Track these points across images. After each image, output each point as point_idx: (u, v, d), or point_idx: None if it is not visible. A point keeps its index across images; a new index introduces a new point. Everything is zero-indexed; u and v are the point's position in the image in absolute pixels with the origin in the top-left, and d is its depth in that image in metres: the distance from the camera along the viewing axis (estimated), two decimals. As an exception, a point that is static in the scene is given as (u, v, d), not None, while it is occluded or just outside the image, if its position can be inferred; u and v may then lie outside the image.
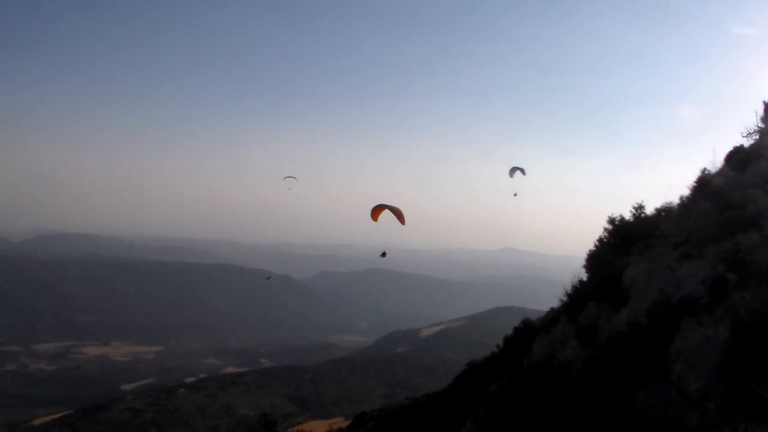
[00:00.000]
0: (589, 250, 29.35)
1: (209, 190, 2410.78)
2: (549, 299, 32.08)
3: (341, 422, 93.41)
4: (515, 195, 59.21)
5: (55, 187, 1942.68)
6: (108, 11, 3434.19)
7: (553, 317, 28.28)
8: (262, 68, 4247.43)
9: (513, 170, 52.62)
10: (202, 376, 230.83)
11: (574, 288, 27.12)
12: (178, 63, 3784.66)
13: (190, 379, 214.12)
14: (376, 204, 40.17)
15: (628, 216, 28.52)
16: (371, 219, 41.38)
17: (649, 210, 28.02)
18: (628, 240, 26.69)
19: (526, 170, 53.94)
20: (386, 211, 40.65)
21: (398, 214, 39.57)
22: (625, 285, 23.37)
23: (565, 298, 27.52)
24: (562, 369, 21.70)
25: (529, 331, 30.09)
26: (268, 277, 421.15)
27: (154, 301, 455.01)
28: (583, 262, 29.28)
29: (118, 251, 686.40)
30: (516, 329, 32.51)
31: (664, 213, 26.86)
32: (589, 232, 31.69)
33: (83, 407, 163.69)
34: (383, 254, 51.29)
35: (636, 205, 28.33)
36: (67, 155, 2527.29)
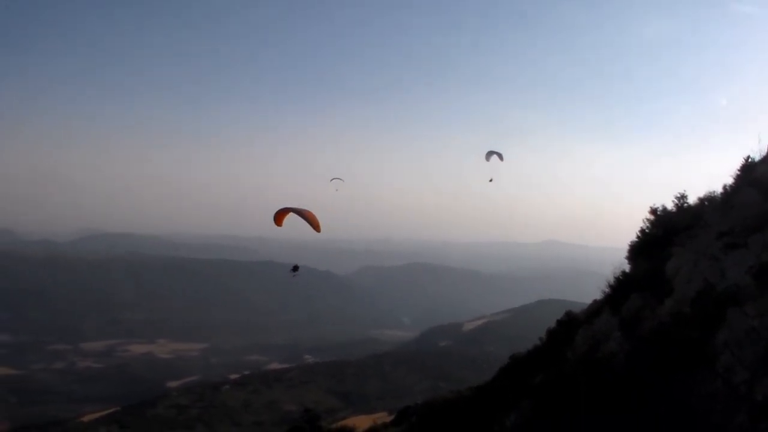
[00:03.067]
0: (632, 241, 29.03)
1: (251, 187, 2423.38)
2: (592, 291, 31.81)
3: (385, 417, 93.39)
4: (491, 180, 57.62)
5: (98, 188, 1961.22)
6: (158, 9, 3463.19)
7: (596, 309, 28.09)
8: (299, 64, 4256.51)
9: (489, 154, 50.95)
10: (246, 372, 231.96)
11: (617, 280, 26.89)
12: (213, 62, 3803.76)
13: (234, 376, 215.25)
14: (281, 207, 38.65)
15: (670, 206, 28.20)
16: (274, 224, 40.04)
17: (692, 199, 27.68)
18: (670, 230, 26.38)
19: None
20: (295, 216, 39.12)
21: (310, 219, 38.02)
22: (668, 276, 23.16)
23: (607, 290, 27.30)
24: (606, 361, 21.57)
25: (572, 324, 29.91)
26: (295, 269, 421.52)
27: (197, 299, 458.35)
28: (626, 254, 28.99)
29: (161, 250, 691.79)
30: (559, 322, 32.31)
31: (707, 202, 26.51)
32: (632, 222, 31.30)
33: (130, 404, 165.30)
34: (294, 269, 50.15)
35: (678, 195, 27.99)
36: (109, 157, 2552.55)
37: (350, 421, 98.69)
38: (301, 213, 37.94)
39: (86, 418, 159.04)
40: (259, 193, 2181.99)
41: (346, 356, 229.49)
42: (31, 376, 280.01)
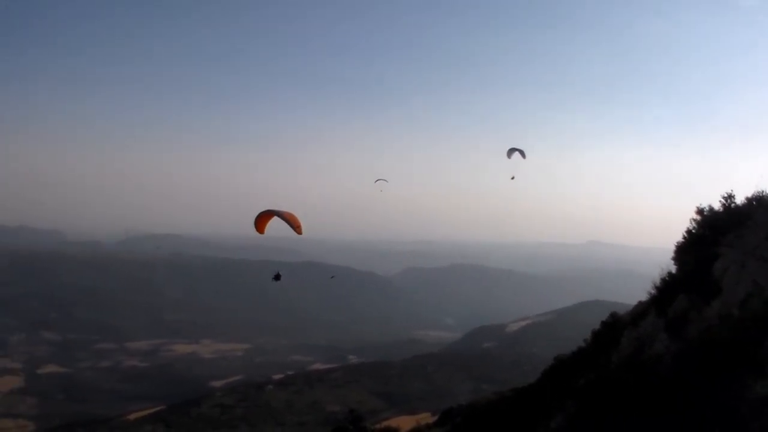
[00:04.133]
0: (678, 242, 28.66)
1: (294, 189, 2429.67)
2: (636, 293, 31.50)
3: (428, 418, 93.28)
4: (513, 178, 56.81)
5: (144, 190, 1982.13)
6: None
7: (641, 311, 27.78)
8: (344, 67, 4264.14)
9: (511, 151, 50.18)
10: (290, 372, 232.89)
11: (663, 281, 26.58)
12: (261, 64, 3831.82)
13: (278, 376, 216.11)
14: (262, 210, 37.68)
15: (717, 206, 27.77)
16: (256, 231, 39.15)
17: (740, 199, 27.22)
18: (717, 231, 26.01)
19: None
20: (276, 219, 38.10)
21: (292, 221, 37.11)
22: (715, 277, 22.83)
23: (653, 291, 27.00)
24: (652, 363, 21.30)
25: (617, 325, 29.63)
26: (332, 276, 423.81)
27: (241, 299, 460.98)
28: (672, 255, 28.63)
29: (205, 251, 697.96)
30: (604, 323, 32.02)
31: (756, 202, 26.07)
32: (677, 223, 30.88)
33: (174, 403, 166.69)
34: (276, 277, 49.64)
35: (725, 195, 27.52)
36: (155, 160, 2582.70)
37: (393, 422, 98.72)
38: (282, 215, 37.25)
39: (132, 417, 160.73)
40: (302, 195, 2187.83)
41: (390, 357, 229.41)
42: (78, 374, 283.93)
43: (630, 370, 21.50)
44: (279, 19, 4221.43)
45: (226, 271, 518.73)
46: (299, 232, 37.68)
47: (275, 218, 37.70)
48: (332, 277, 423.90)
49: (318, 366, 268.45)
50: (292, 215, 37.65)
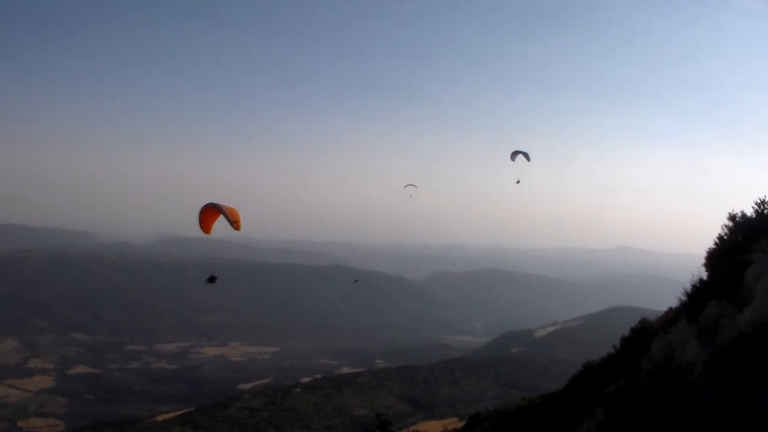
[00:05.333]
0: (709, 248, 28.30)
1: (322, 193, 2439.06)
2: (666, 299, 31.24)
3: (455, 423, 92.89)
4: (518, 182, 56.20)
5: (173, 193, 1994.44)
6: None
7: (671, 317, 27.49)
8: (372, 69, 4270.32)
9: (514, 154, 49.60)
10: (318, 376, 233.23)
11: (694, 287, 26.26)
12: (286, 67, 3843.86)
13: (305, 379, 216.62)
14: (206, 204, 36.97)
15: (750, 212, 27.41)
16: (202, 231, 38.48)
17: (774, 205, 26.81)
18: (750, 237, 25.69)
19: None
20: (221, 217, 37.46)
21: (232, 216, 36.47)
22: (747, 284, 22.55)
23: (684, 298, 26.68)
24: (682, 370, 21.05)
25: (647, 332, 29.35)
26: (356, 281, 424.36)
27: (269, 303, 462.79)
28: (703, 260, 28.28)
29: (233, 254, 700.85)
30: (633, 330, 31.74)
31: (790, 208, 25.73)
32: (708, 229, 30.51)
33: (202, 405, 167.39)
34: (211, 279, 49.29)
35: (759, 201, 27.15)
36: (183, 163, 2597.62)
37: (421, 427, 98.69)
38: (222, 210, 36.78)
39: (160, 418, 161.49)
40: (330, 199, 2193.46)
41: (417, 361, 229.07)
42: (108, 375, 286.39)
43: (660, 378, 21.26)
44: (308, 23, 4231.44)
45: (255, 274, 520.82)
46: (237, 228, 37.08)
47: (218, 214, 37.34)
48: (356, 281, 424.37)
49: (346, 370, 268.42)
50: (232, 210, 37.19)
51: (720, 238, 27.96)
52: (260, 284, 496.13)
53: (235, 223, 36.84)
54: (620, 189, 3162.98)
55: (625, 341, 31.58)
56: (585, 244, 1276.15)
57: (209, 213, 37.57)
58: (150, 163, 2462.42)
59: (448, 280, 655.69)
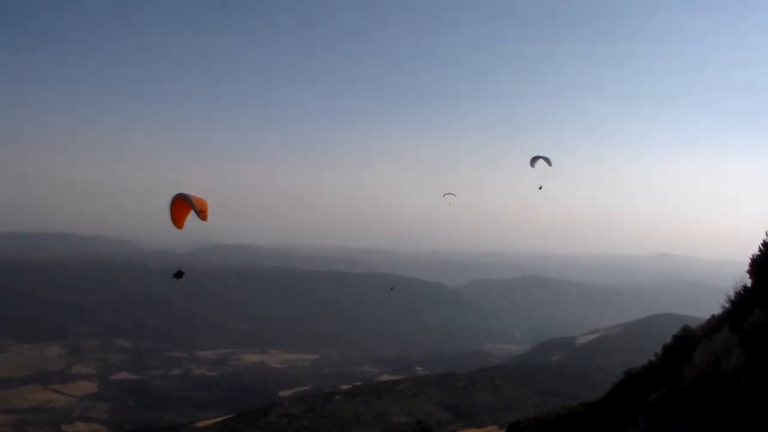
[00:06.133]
0: (753, 255, 27.84)
1: (362, 200, 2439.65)
2: (709, 306, 30.84)
3: (495, 430, 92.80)
4: (540, 188, 55.30)
5: (215, 201, 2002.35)
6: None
7: (714, 325, 27.13)
8: (411, 78, 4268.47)
9: (534, 159, 48.80)
10: (357, 383, 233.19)
11: (738, 294, 25.87)
12: (325, 75, 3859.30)
13: (345, 386, 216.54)
14: (173, 197, 36.35)
15: (795, 218, 26.92)
16: (175, 226, 38.00)
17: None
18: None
19: (552, 161, 48.92)
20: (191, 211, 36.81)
21: (199, 206, 35.84)
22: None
23: (727, 305, 26.32)
24: (727, 379, 20.73)
25: (690, 339, 29.02)
26: (392, 288, 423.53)
27: (309, 310, 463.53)
28: (747, 267, 27.83)
29: (274, 261, 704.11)
30: (675, 337, 31.41)
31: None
32: (753, 235, 29.98)
33: (243, 412, 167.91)
34: (178, 274, 48.64)
35: (804, 207, 26.65)
36: (225, 171, 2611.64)
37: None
38: (190, 200, 36.35)
39: (201, 424, 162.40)
40: (371, 207, 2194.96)
41: (457, 369, 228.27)
42: (150, 381, 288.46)
43: (704, 386, 20.95)
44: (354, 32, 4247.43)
45: (295, 281, 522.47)
46: (203, 218, 36.74)
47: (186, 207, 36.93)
48: (392, 288, 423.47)
49: (385, 377, 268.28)
50: (201, 200, 36.83)
51: (765, 244, 27.52)
52: (300, 291, 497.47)
53: (201, 213, 36.52)
54: (659, 194, 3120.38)
55: (667, 349, 31.24)
56: (625, 251, 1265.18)
57: (180, 207, 37.30)
58: (190, 172, 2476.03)
59: (487, 287, 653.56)
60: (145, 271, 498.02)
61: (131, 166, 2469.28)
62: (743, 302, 24.69)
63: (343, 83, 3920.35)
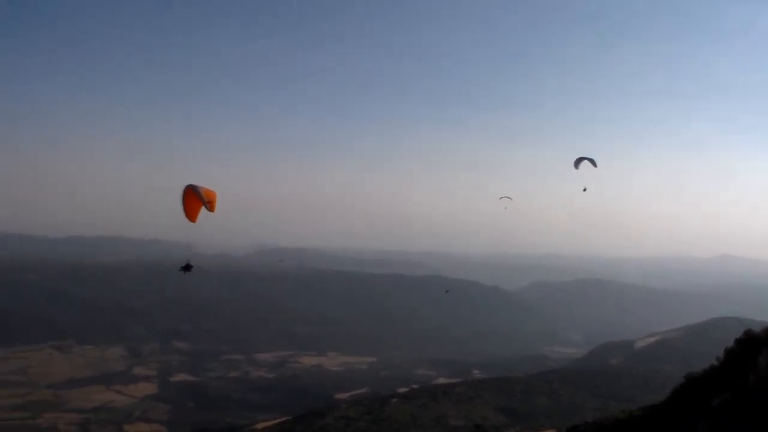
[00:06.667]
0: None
1: (419, 203, 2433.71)
2: (772, 309, 30.29)
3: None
4: (584, 190, 54.41)
5: (273, 205, 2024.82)
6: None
7: (779, 328, 26.65)
8: (465, 79, 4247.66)
9: (578, 161, 47.97)
10: (415, 386, 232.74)
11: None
12: (380, 78, 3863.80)
13: (402, 389, 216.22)
14: (186, 186, 35.90)
15: None
16: (188, 220, 37.64)
17: None
18: None
19: (597, 161, 47.78)
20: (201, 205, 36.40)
21: (206, 196, 35.47)
22: None
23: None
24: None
25: (753, 343, 28.52)
26: (447, 291, 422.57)
27: (367, 313, 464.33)
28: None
29: (331, 264, 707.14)
30: (738, 341, 30.91)
31: None
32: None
33: (300, 414, 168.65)
34: (186, 267, 48.35)
35: None
36: (283, 176, 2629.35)
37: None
38: (198, 191, 36.18)
39: (259, 426, 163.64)
40: (428, 210, 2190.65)
41: (514, 372, 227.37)
42: (208, 383, 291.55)
43: None
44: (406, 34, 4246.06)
45: (353, 284, 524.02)
46: (211, 209, 36.74)
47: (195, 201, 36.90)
48: (447, 291, 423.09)
49: (442, 380, 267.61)
50: (209, 191, 36.77)
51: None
52: (358, 294, 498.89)
53: (209, 204, 36.62)
54: (720, 195, 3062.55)
55: (730, 353, 30.77)
56: (686, 253, 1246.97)
57: (190, 200, 37.46)
58: (249, 176, 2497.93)
59: (545, 290, 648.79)
60: (203, 275, 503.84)
61: (187, 170, 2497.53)
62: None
63: (402, 86, 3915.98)
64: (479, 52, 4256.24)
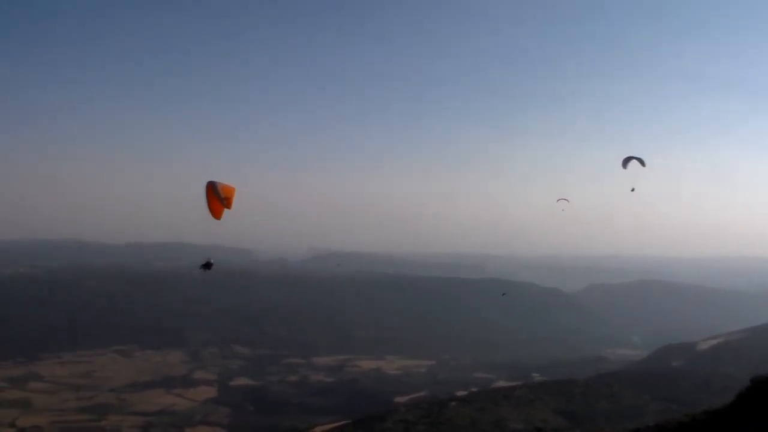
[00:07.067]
0: None
1: (477, 206, 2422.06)
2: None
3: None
4: (633, 190, 53.69)
5: (328, 210, 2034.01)
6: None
7: None
8: (517, 81, 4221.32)
9: (627, 160, 47.33)
10: (473, 389, 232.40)
11: None
12: (432, 81, 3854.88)
13: (461, 393, 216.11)
14: (207, 182, 35.63)
15: None
16: (213, 217, 37.44)
17: None
18: None
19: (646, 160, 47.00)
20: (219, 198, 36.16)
21: (223, 192, 35.24)
22: None
23: None
24: None
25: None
26: (503, 294, 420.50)
27: (425, 316, 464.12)
28: None
29: (388, 268, 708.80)
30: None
31: None
32: None
33: (359, 418, 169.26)
34: (207, 265, 48.19)
35: None
36: (336, 179, 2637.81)
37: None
38: (216, 188, 36.20)
39: (318, 429, 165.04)
40: (485, 213, 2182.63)
41: (574, 375, 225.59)
42: (268, 387, 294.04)
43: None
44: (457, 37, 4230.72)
45: (410, 288, 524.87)
46: (227, 206, 36.87)
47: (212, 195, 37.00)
48: (503, 294, 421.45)
49: (502, 383, 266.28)
50: (227, 188, 36.92)
51: None
52: (416, 298, 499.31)
53: (225, 200, 36.86)
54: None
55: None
56: (749, 252, 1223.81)
57: (211, 198, 37.78)
58: (308, 182, 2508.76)
59: (604, 292, 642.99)
60: (262, 280, 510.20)
61: (245, 177, 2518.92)
62: None
63: (454, 88, 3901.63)
64: (536, 53, 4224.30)
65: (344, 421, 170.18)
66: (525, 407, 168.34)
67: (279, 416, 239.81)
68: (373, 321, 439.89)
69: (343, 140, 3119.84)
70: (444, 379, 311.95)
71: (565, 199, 67.34)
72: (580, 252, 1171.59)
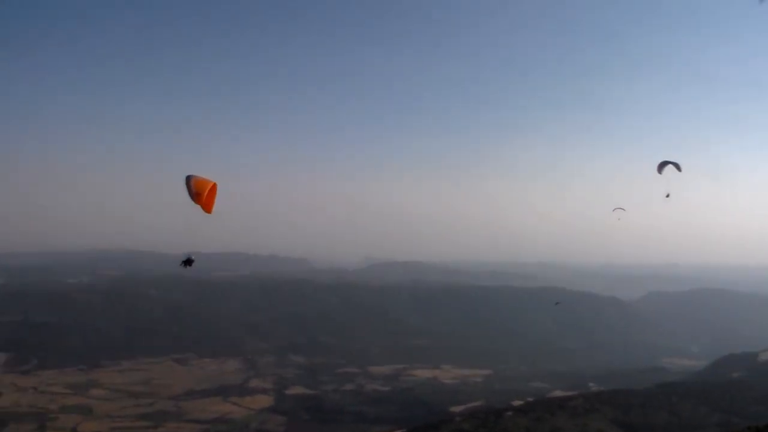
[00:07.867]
0: None
1: (534, 215, 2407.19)
2: None
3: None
4: (668, 196, 52.77)
5: (382, 220, 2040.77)
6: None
7: None
8: (564, 88, 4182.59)
9: (662, 165, 46.52)
10: (530, 399, 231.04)
11: None
12: (484, 91, 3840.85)
13: (517, 402, 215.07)
14: (194, 180, 34.87)
15: None
16: (204, 211, 36.63)
17: None
18: None
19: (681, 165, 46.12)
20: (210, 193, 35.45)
21: (196, 189, 34.37)
22: None
23: None
24: None
25: None
26: (557, 303, 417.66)
27: (481, 325, 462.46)
28: None
29: (443, 277, 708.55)
30: None
31: None
32: None
33: (415, 426, 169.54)
34: (187, 261, 47.74)
35: None
36: (392, 189, 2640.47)
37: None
38: (189, 182, 35.53)
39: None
40: (543, 221, 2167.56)
41: (632, 385, 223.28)
42: (323, 396, 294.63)
43: None
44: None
45: (466, 297, 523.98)
46: (196, 201, 36.13)
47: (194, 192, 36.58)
48: (557, 303, 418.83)
49: (558, 393, 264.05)
50: (201, 182, 36.32)
51: None
52: (471, 307, 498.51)
53: (195, 196, 36.29)
54: None
55: None
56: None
57: (207, 196, 37.33)
58: (362, 191, 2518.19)
59: (662, 300, 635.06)
60: (319, 289, 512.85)
61: (300, 186, 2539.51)
62: None
63: (499, 97, 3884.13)
64: (576, 56, 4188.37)
65: (400, 430, 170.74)
66: (581, 417, 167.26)
67: (334, 425, 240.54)
68: (429, 330, 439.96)
69: (399, 150, 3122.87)
70: (500, 388, 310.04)
71: (621, 208, 66.98)
72: (638, 260, 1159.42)
